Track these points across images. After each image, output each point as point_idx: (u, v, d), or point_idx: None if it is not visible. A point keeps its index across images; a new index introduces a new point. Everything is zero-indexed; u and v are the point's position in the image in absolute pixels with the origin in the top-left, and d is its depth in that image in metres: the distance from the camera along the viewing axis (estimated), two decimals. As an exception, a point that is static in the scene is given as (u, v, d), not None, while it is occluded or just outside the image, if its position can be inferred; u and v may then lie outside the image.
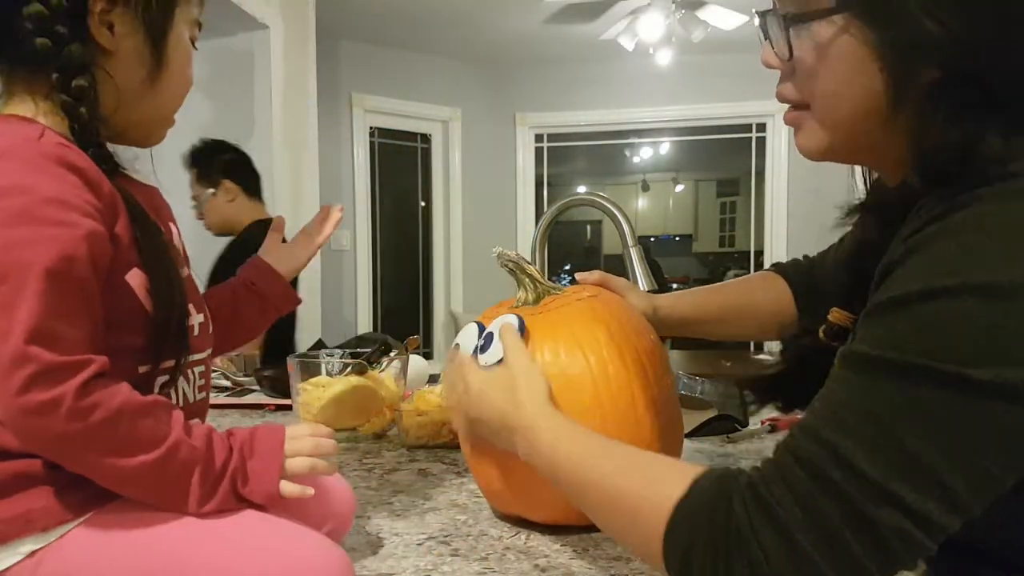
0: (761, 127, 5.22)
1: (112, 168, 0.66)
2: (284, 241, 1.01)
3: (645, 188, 9.28)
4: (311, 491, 0.66)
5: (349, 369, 1.26)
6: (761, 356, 4.08)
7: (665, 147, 7.95)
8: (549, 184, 5.72)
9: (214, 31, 3.00)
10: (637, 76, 5.20)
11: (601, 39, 4.33)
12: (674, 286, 4.52)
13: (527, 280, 0.90)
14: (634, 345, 0.83)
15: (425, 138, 5.32)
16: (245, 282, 0.94)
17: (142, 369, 0.66)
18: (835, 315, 0.68)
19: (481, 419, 0.76)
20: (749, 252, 5.73)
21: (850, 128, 0.58)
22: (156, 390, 0.67)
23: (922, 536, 0.47)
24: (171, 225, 0.77)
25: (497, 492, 0.86)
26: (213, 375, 1.00)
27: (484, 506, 0.93)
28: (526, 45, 4.92)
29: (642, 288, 1.36)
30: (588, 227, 8.96)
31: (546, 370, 0.76)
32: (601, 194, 1.52)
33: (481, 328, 0.85)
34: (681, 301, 1.02)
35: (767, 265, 1.44)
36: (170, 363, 0.68)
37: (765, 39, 0.62)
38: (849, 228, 0.72)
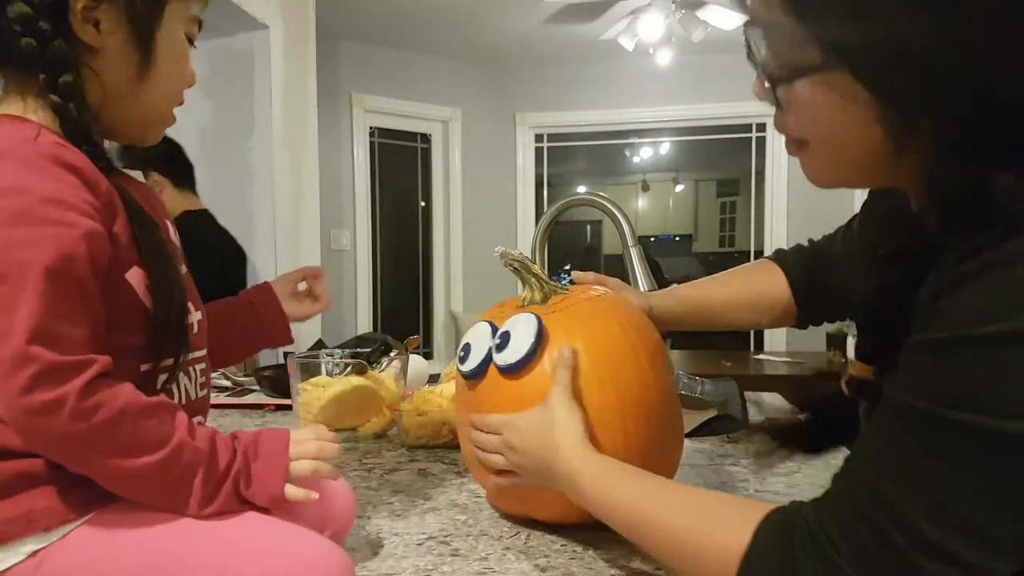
0: (761, 127, 5.21)
1: (108, 166, 0.66)
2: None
3: (645, 188, 9.28)
4: (315, 495, 0.66)
5: (349, 369, 1.26)
6: (761, 356, 4.08)
7: (665, 147, 7.94)
8: (549, 184, 5.71)
9: (214, 31, 3.00)
10: (637, 76, 5.19)
11: (601, 39, 4.33)
12: (674, 286, 4.50)
13: (533, 279, 0.89)
14: (645, 343, 0.84)
15: (425, 138, 5.31)
16: (245, 301, 0.94)
17: (144, 367, 0.66)
18: (856, 368, 0.67)
19: (523, 466, 0.78)
20: (749, 252, 5.72)
21: (857, 166, 0.56)
22: (158, 388, 0.67)
23: None
24: (166, 222, 0.76)
25: (498, 492, 0.86)
26: (213, 375, 1.00)
27: (484, 506, 0.93)
28: (526, 45, 4.91)
29: (642, 288, 1.37)
30: (588, 227, 8.95)
31: (586, 356, 0.77)
32: (601, 194, 1.52)
33: (494, 328, 0.85)
34: (676, 298, 1.02)
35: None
36: (170, 361, 0.68)
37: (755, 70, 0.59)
38: (855, 213, 0.71)
